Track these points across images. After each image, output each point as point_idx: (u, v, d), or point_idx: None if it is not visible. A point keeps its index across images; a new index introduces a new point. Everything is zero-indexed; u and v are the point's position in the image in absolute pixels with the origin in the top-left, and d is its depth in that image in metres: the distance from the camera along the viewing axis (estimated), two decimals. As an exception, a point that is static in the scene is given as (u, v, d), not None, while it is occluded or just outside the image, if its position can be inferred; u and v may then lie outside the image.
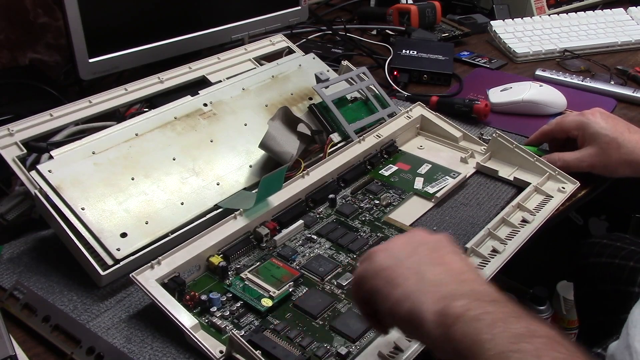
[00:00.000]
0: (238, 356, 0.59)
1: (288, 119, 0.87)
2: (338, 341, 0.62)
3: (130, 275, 0.65)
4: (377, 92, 1.00)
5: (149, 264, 0.66)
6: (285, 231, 0.76)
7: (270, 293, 0.67)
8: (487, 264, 0.72)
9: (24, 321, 0.66)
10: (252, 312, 0.66)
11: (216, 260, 0.70)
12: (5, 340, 0.61)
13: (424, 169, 0.90)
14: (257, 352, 0.57)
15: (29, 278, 0.72)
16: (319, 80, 0.96)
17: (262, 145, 0.84)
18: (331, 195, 0.82)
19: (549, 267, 1.52)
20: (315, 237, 0.77)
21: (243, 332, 0.63)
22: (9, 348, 0.60)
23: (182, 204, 0.77)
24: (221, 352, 0.60)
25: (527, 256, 0.79)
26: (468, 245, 0.73)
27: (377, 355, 0.61)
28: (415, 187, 0.86)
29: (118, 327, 0.66)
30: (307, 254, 0.74)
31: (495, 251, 0.74)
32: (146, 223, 0.74)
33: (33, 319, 0.66)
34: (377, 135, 0.91)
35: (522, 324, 0.46)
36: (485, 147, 0.93)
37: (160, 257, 0.67)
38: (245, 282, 0.68)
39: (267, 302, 0.66)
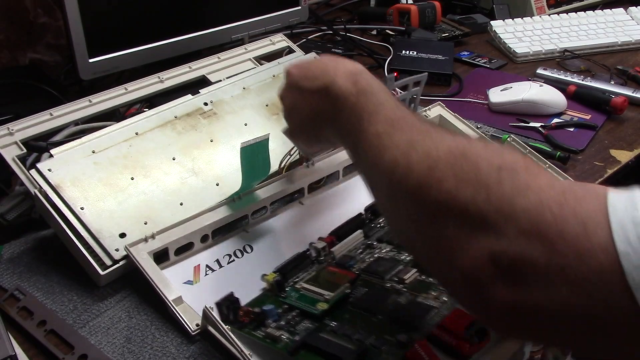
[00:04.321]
0: (212, 330, 0.61)
1: None
2: (399, 331, 0.58)
3: (125, 245, 0.69)
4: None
5: (144, 237, 0.69)
6: (343, 242, 0.72)
7: (325, 296, 0.63)
8: None
9: (19, 323, 0.66)
10: (308, 319, 0.62)
11: (271, 277, 0.66)
12: (4, 340, 0.61)
13: None
14: (226, 327, 0.58)
15: (29, 278, 0.72)
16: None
17: None
18: None
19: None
20: (375, 243, 0.72)
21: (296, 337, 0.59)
22: (9, 348, 0.60)
23: (181, 204, 0.77)
24: (197, 325, 0.62)
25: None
26: None
27: None
28: None
29: (118, 327, 0.66)
30: (366, 260, 0.69)
31: None
32: (145, 224, 0.74)
33: (28, 322, 0.66)
34: None
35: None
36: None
37: (155, 232, 0.70)
38: (301, 292, 0.65)
39: (322, 306, 0.62)
